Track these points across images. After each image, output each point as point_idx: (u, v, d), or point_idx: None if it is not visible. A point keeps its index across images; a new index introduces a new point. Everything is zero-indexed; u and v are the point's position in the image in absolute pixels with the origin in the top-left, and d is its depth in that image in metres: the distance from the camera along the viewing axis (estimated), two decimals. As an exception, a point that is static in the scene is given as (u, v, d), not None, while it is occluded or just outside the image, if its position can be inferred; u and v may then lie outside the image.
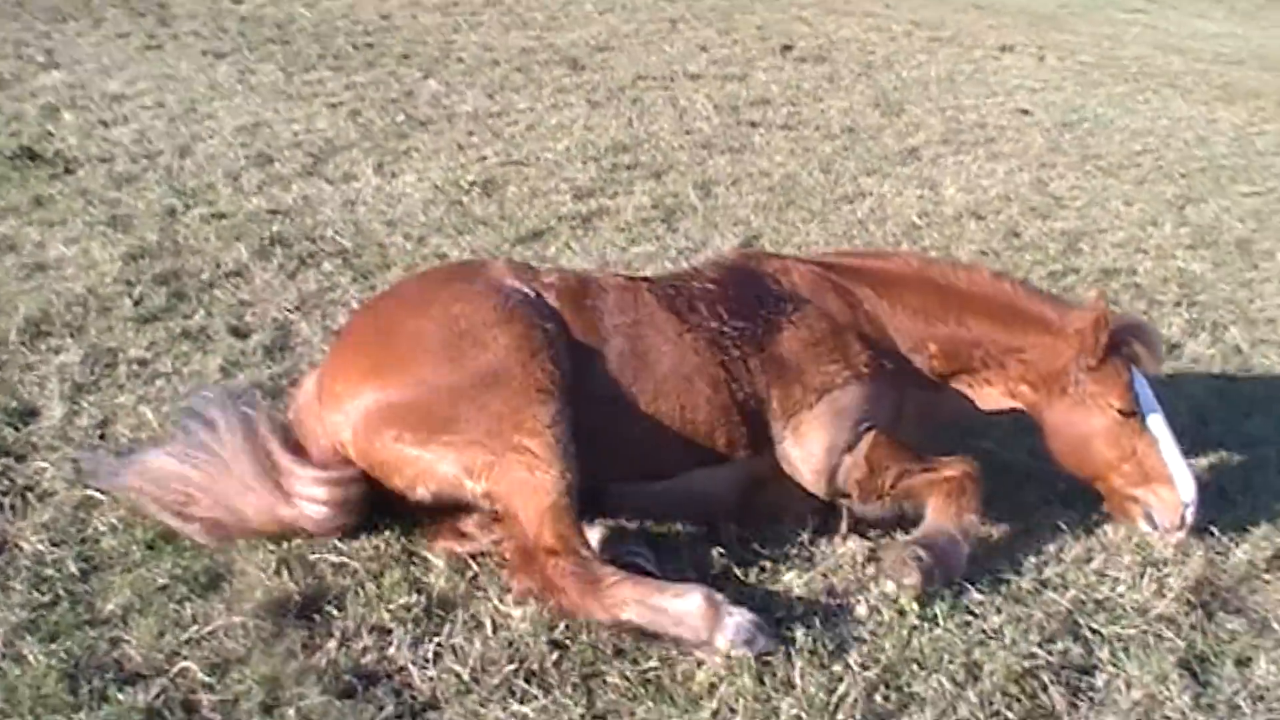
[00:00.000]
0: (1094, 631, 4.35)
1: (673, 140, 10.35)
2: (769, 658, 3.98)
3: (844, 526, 4.72)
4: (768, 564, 4.56)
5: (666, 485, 4.60)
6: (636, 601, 4.00)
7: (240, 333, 6.14)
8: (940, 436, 5.05)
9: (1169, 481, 4.77)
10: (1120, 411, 4.80)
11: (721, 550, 4.56)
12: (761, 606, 4.22)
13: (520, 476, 4.15)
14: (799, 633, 4.09)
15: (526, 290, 4.55)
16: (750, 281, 4.94)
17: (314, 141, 9.50)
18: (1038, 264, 8.03)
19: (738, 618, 3.95)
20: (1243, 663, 4.28)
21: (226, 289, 6.64)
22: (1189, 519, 4.76)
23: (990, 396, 5.06)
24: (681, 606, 3.98)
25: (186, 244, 7.24)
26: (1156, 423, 4.83)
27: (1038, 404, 4.98)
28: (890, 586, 4.37)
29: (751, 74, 13.25)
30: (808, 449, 4.66)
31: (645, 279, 4.97)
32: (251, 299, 6.56)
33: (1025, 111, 12.65)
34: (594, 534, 4.37)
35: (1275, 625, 4.49)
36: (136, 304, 6.34)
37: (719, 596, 4.03)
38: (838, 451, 4.65)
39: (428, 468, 4.29)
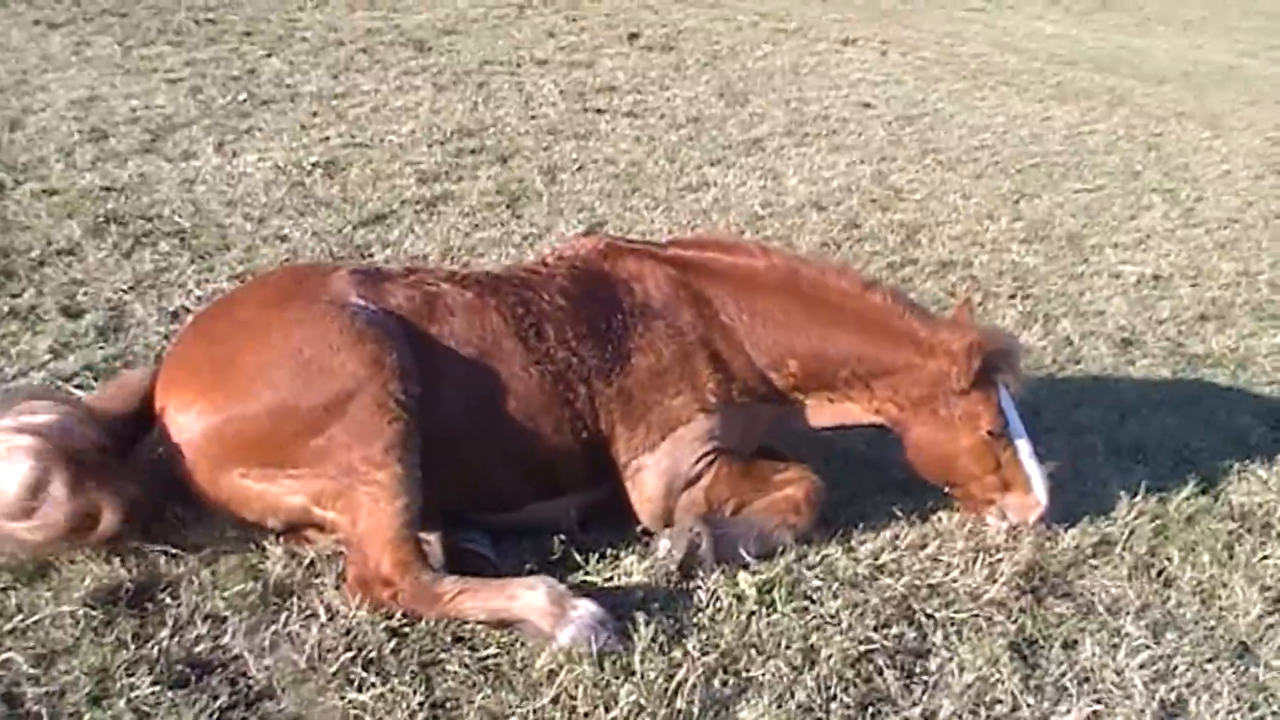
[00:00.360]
0: (928, 616, 4.45)
1: (519, 126, 10.30)
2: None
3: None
4: (608, 551, 4.57)
5: (506, 517, 4.53)
6: (483, 608, 4.02)
7: (71, 313, 5.96)
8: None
9: (1026, 487, 4.87)
10: (989, 433, 4.80)
11: (562, 538, 4.54)
12: (601, 594, 4.23)
13: (366, 508, 4.03)
14: (639, 620, 4.11)
15: (372, 308, 4.30)
16: (603, 291, 4.71)
17: (152, 118, 9.27)
18: (877, 255, 8.18)
19: (582, 613, 3.96)
20: (1069, 645, 4.41)
21: (58, 267, 6.44)
22: (1041, 517, 4.91)
23: (851, 412, 4.94)
24: (525, 602, 3.99)
25: (16, 220, 7.00)
26: (1016, 432, 4.89)
27: (902, 422, 4.89)
28: (663, 547, 4.46)
29: (598, 61, 13.25)
30: (645, 493, 4.59)
31: (494, 288, 4.60)
32: (84, 278, 6.37)
33: (867, 105, 12.87)
34: (432, 533, 4.33)
35: (1100, 609, 4.63)
36: (-39, 285, 6.13)
37: (562, 589, 4.04)
38: (675, 494, 4.60)
39: (275, 501, 4.17)
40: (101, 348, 5.62)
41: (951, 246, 8.56)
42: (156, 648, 3.80)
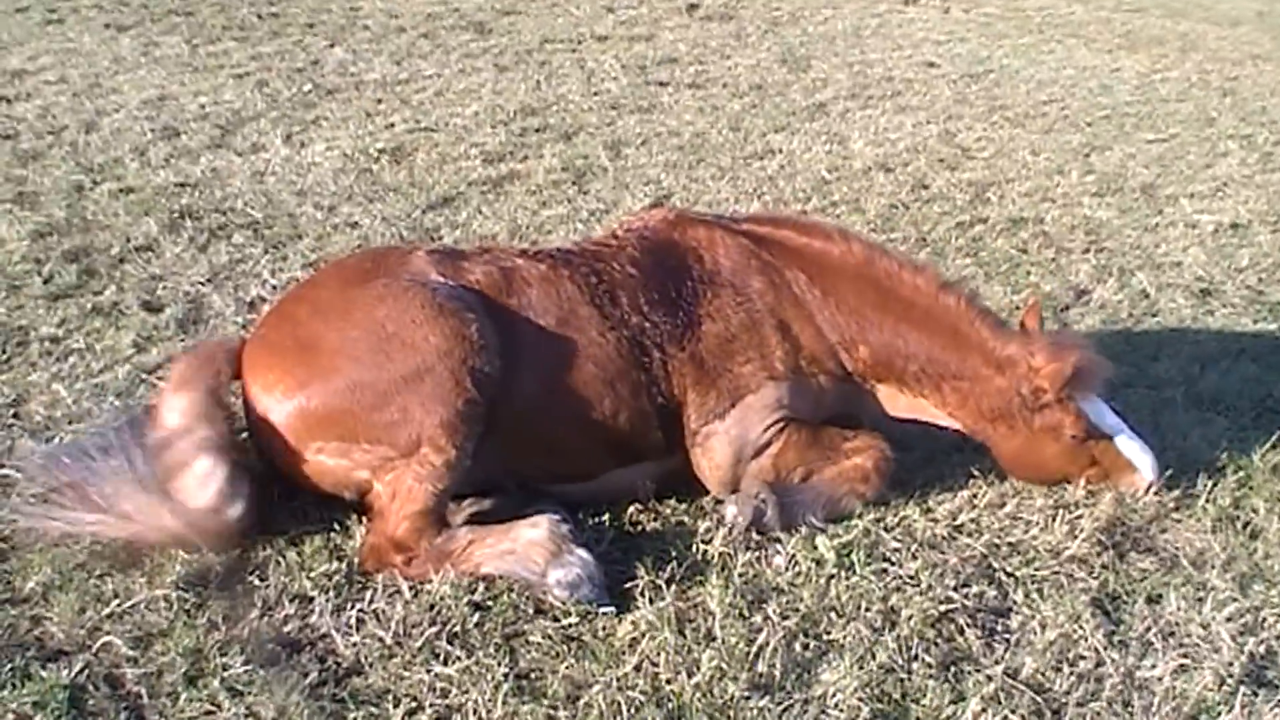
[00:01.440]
0: (1008, 574, 4.44)
1: (581, 102, 10.32)
2: (690, 612, 4.05)
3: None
4: (685, 520, 4.61)
5: (583, 486, 4.59)
6: (490, 555, 4.14)
7: (152, 307, 6.09)
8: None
9: (1129, 469, 4.83)
10: (1074, 437, 4.74)
11: (638, 506, 4.59)
12: (680, 562, 4.28)
13: (407, 484, 4.16)
14: (717, 585, 4.15)
15: (452, 285, 4.41)
16: (672, 260, 4.74)
17: (221, 113, 9.40)
18: (945, 215, 8.11)
19: (575, 559, 4.05)
20: (1153, 600, 4.38)
21: (137, 263, 6.57)
22: (1153, 490, 4.88)
23: (925, 409, 4.89)
24: (526, 538, 4.11)
25: (95, 220, 7.15)
26: (1108, 420, 4.82)
27: (979, 432, 4.85)
28: (729, 513, 4.51)
29: (658, 34, 13.23)
30: (714, 460, 4.61)
31: (567, 261, 4.69)
32: (162, 273, 6.50)
33: (931, 64, 12.73)
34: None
35: (1184, 562, 4.59)
36: (46, 281, 6.30)
37: (564, 531, 4.13)
38: (745, 460, 4.61)
39: (345, 476, 4.28)
40: (182, 339, 5.74)
41: (1021, 203, 8.47)
42: (247, 628, 3.89)
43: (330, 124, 9.29)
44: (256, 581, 4.12)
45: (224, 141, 8.76)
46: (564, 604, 4.03)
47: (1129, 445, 4.82)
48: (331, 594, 4.08)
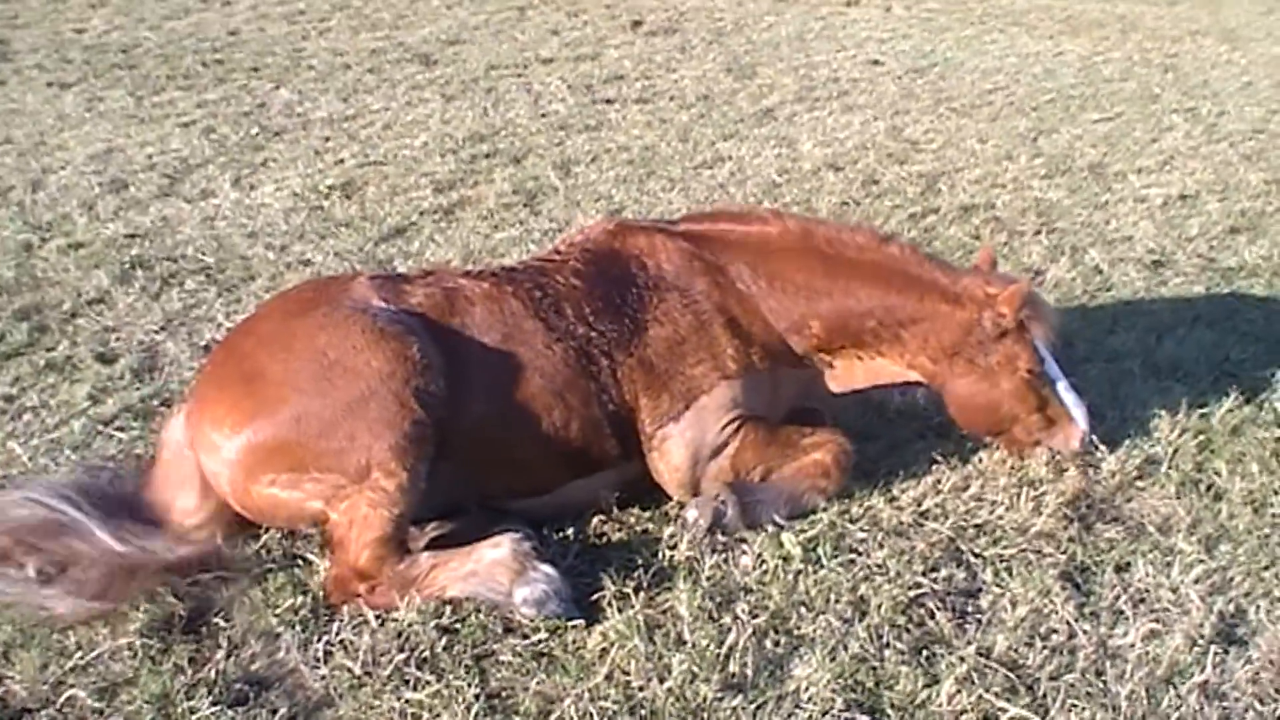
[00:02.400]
0: (976, 555, 4.45)
1: (529, 125, 10.33)
2: (659, 618, 4.03)
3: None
4: (650, 527, 4.60)
5: (544, 500, 4.57)
6: (453, 579, 4.12)
7: (106, 359, 6.03)
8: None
9: (1068, 419, 4.86)
10: (1029, 372, 4.76)
11: (602, 516, 4.59)
12: (645, 568, 4.27)
13: (363, 511, 4.13)
14: (685, 590, 4.14)
15: (393, 309, 4.40)
16: (615, 269, 4.74)
17: (169, 162, 9.34)
18: (897, 208, 8.14)
19: (540, 575, 4.04)
20: (1122, 569, 4.40)
21: (89, 317, 6.52)
22: (1084, 442, 4.89)
23: (884, 369, 4.90)
24: (489, 559, 4.10)
25: (45, 276, 7.09)
26: (1050, 366, 4.87)
27: (939, 375, 4.85)
28: (690, 516, 4.50)
29: (604, 52, 13.26)
30: (671, 463, 4.59)
31: (510, 278, 4.68)
32: (115, 324, 6.44)
33: (876, 62, 12.82)
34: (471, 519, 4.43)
35: (1151, 529, 4.61)
36: (-2, 341, 6.23)
37: (527, 549, 4.11)
38: (703, 462, 4.60)
39: (298, 508, 4.25)
40: (138, 389, 5.68)
41: (972, 191, 8.52)
42: (214, 670, 3.86)
43: (279, 164, 9.25)
44: (221, 622, 4.09)
45: (173, 190, 8.71)
46: (532, 621, 4.01)
47: (1067, 395, 4.85)
48: (298, 628, 4.04)
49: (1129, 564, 4.41)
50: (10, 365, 5.96)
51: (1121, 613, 4.14)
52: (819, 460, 4.66)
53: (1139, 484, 4.91)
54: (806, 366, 4.87)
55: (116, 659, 3.91)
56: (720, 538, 4.44)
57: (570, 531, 4.54)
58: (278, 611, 4.12)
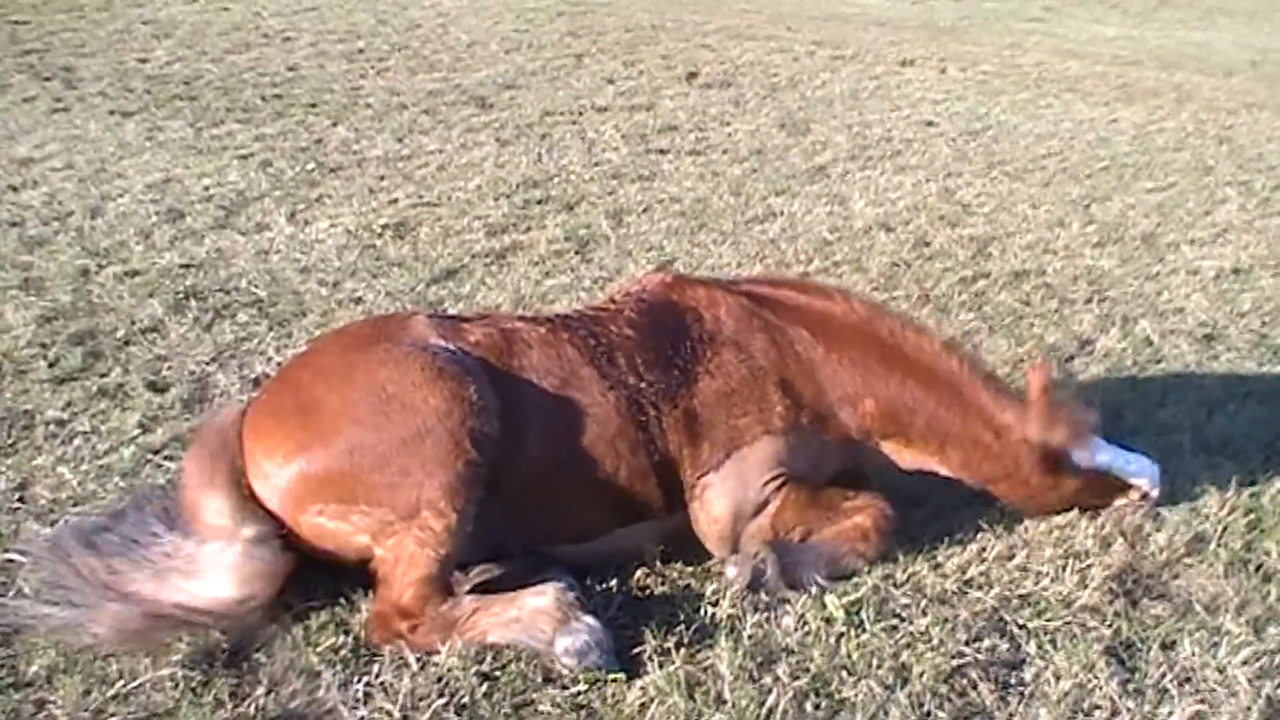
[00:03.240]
0: (1020, 626, 4.41)
1: (583, 173, 10.39)
2: (699, 676, 4.02)
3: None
4: (692, 582, 4.58)
5: (587, 547, 4.58)
6: (496, 624, 4.12)
7: (158, 388, 6.09)
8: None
9: (1128, 487, 5.00)
10: (1076, 488, 4.91)
11: (645, 569, 4.58)
12: (686, 624, 4.26)
13: (410, 550, 4.15)
14: (726, 648, 4.12)
15: (452, 348, 4.44)
16: (670, 321, 4.77)
17: (225, 194, 9.45)
18: (948, 271, 8.14)
19: (583, 626, 4.03)
20: (1167, 646, 4.35)
21: (142, 345, 6.58)
22: (1155, 495, 5.05)
23: (927, 463, 4.93)
24: (532, 607, 4.09)
25: (100, 303, 7.17)
26: (1100, 449, 4.92)
27: (990, 488, 4.96)
28: (729, 573, 4.49)
29: (658, 103, 13.33)
30: (711, 513, 4.59)
31: (566, 325, 4.72)
32: (167, 353, 6.50)
33: (930, 123, 12.83)
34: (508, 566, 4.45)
35: (1197, 608, 4.56)
36: (52, 365, 6.28)
37: (571, 599, 4.11)
38: (744, 518, 4.60)
39: (345, 540, 4.26)
40: (188, 419, 5.73)
41: (1023, 256, 8.50)
42: (253, 705, 3.87)
43: (334, 201, 9.34)
44: (263, 658, 4.10)
45: (228, 222, 8.81)
46: (573, 671, 4.00)
47: (1120, 462, 4.95)
48: (339, 667, 4.05)
49: (1175, 642, 4.36)
50: (64, 389, 6.02)
51: (1166, 691, 4.10)
52: (859, 524, 4.65)
53: (1186, 561, 4.86)
54: (856, 442, 4.85)
55: (158, 689, 3.92)
56: (763, 597, 4.42)
57: (614, 583, 4.53)
58: (319, 650, 4.14)
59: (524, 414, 4.40)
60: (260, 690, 3.94)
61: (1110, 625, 4.43)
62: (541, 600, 4.11)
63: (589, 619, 4.07)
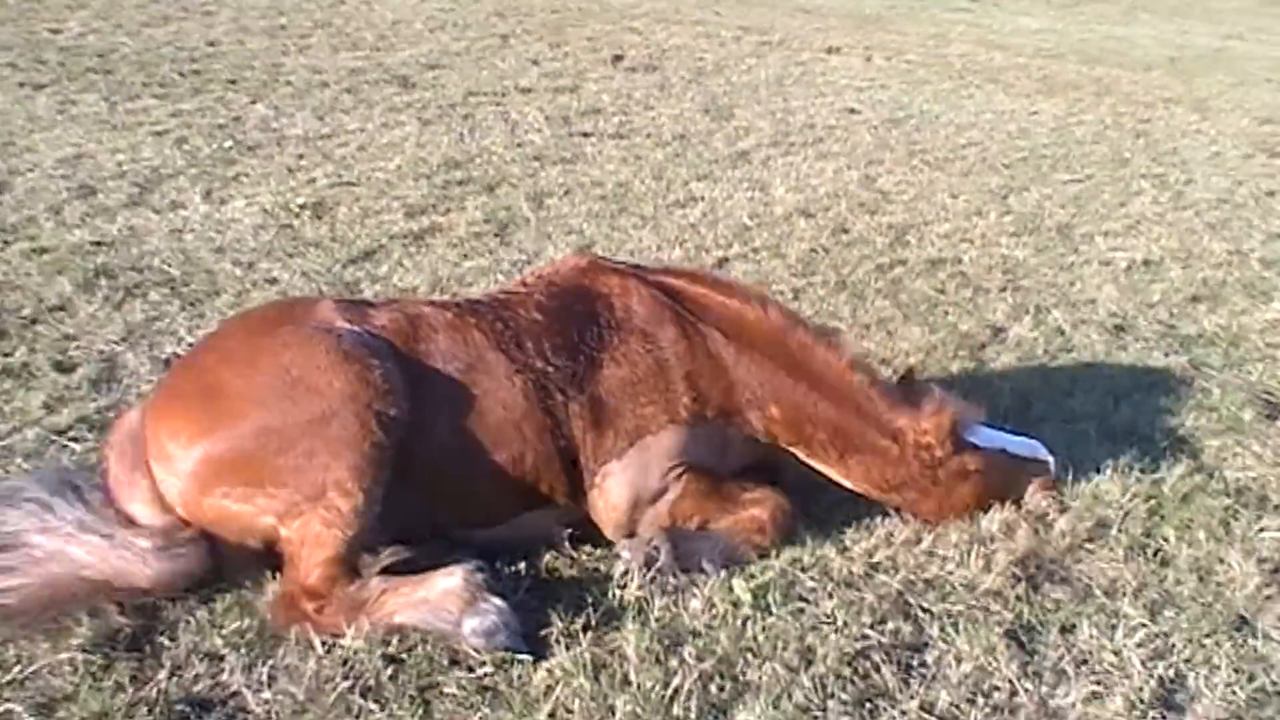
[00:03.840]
0: (925, 610, 4.46)
1: (504, 154, 10.35)
2: (605, 658, 4.03)
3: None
4: (601, 565, 4.59)
5: (496, 531, 4.57)
6: (403, 605, 4.10)
7: (64, 368, 5.98)
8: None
9: (1031, 479, 5.12)
10: (978, 470, 4.92)
11: (555, 552, 4.59)
12: (594, 607, 4.27)
13: (316, 530, 4.12)
14: (633, 631, 4.14)
15: (358, 331, 4.42)
16: (581, 306, 4.76)
17: (139, 171, 9.30)
18: (865, 258, 8.20)
19: (490, 607, 4.03)
20: (1067, 629, 4.42)
21: (50, 324, 6.46)
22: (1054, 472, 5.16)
23: (831, 474, 4.96)
24: (441, 588, 4.08)
25: (6, 280, 7.02)
26: (991, 437, 5.01)
27: (890, 501, 4.99)
28: (623, 559, 4.52)
29: (583, 85, 13.32)
30: (609, 500, 4.60)
31: (474, 310, 4.71)
32: (76, 333, 6.39)
33: (853, 111, 12.93)
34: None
35: (1097, 592, 4.64)
36: (-46, 346, 6.17)
37: (480, 580, 4.10)
38: (643, 505, 4.61)
39: (250, 522, 4.22)
40: (94, 400, 5.64)
41: (940, 244, 8.60)
42: (155, 689, 3.82)
43: (251, 180, 9.23)
44: (167, 641, 4.05)
45: (142, 199, 8.66)
46: (480, 653, 4.00)
47: (1019, 447, 5.07)
48: (243, 651, 4.01)
49: (1074, 625, 4.44)
50: (-34, 370, 5.91)
51: (1064, 673, 4.17)
52: (756, 516, 4.68)
53: (1088, 546, 4.94)
54: (759, 443, 4.88)
55: (56, 674, 3.85)
56: (671, 580, 4.44)
57: (522, 565, 4.52)
58: (224, 633, 4.09)
59: (430, 397, 4.38)
60: (162, 674, 3.89)
61: (1012, 609, 4.50)
62: (450, 581, 4.09)
63: (497, 600, 4.06)
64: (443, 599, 4.07)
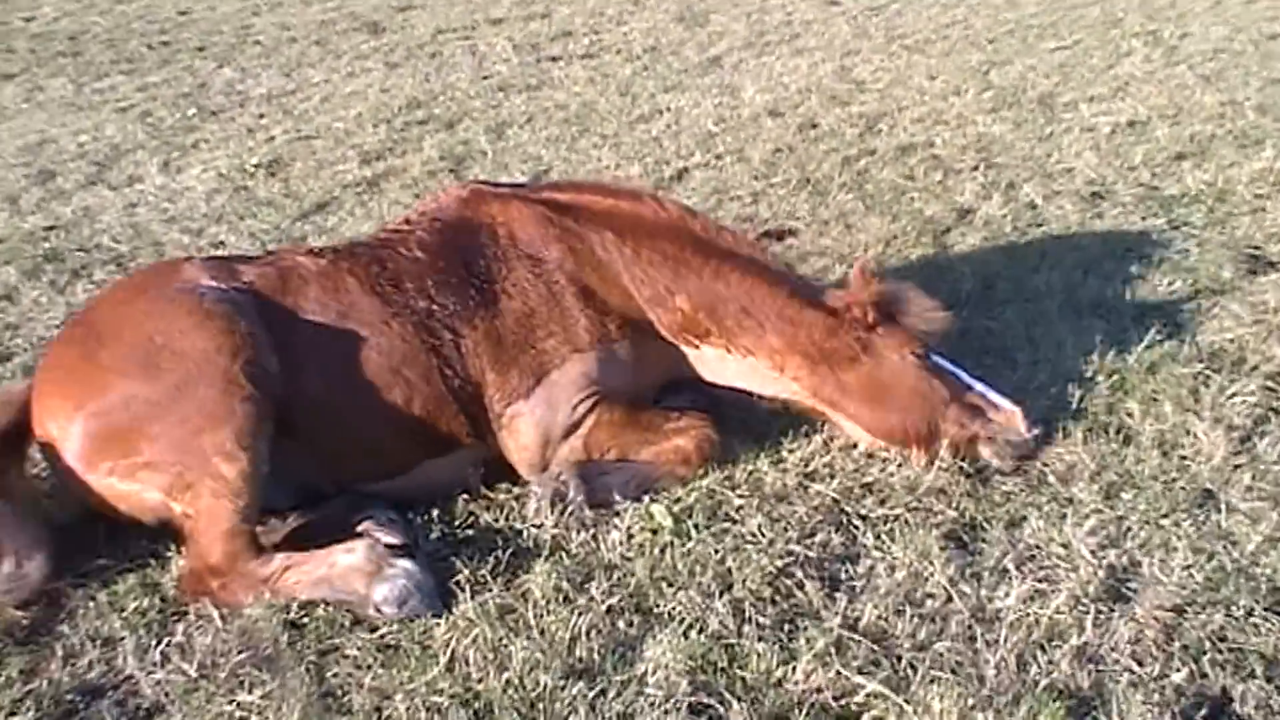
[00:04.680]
0: (861, 517, 4.21)
1: (469, 89, 10.08)
2: (512, 603, 3.82)
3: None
4: (514, 504, 4.37)
5: (402, 482, 4.37)
6: (307, 581, 3.92)
7: (2, 358, 5.83)
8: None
9: (993, 405, 4.49)
10: (916, 354, 4.47)
11: (466, 495, 4.39)
12: (507, 547, 4.07)
13: (207, 503, 3.95)
14: (543, 570, 3.92)
15: (223, 288, 4.23)
16: (464, 238, 4.54)
17: (100, 150, 9.15)
18: (832, 151, 7.87)
19: (398, 571, 3.84)
20: (1014, 524, 4.15)
21: (-8, 314, 6.33)
22: (1031, 425, 4.48)
23: (757, 371, 4.64)
24: (343, 564, 3.89)
25: (-42, 274, 6.91)
26: (950, 370, 4.57)
27: (821, 388, 4.54)
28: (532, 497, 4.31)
29: (555, 10, 12.98)
30: (520, 441, 4.38)
31: (351, 254, 4.51)
32: (18, 321, 6.25)
33: (834, 3, 12.48)
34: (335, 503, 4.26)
35: (1051, 480, 4.36)
36: (-105, 339, 6.04)
37: (381, 550, 3.92)
38: (554, 443, 4.40)
39: (138, 499, 4.06)
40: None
41: (913, 130, 8.24)
42: (46, 680, 3.67)
43: (210, 145, 9.04)
44: (65, 629, 3.89)
45: (100, 177, 8.51)
46: (394, 619, 3.80)
47: (980, 385, 4.56)
48: (141, 632, 3.85)
49: (1023, 518, 4.16)
50: (-98, 368, 5.78)
51: (1006, 572, 3.89)
52: (680, 446, 4.43)
53: (1044, 430, 4.63)
54: (672, 345, 4.64)
55: (-52, 674, 3.73)
56: (585, 514, 4.21)
57: (435, 514, 4.32)
58: (124, 615, 3.93)
59: (301, 349, 4.18)
60: (55, 664, 3.73)
61: (956, 507, 4.24)
62: (351, 557, 3.91)
63: (405, 564, 3.88)
64: (346, 575, 3.89)
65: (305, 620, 3.84)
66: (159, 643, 3.80)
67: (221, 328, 4.03)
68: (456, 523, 4.30)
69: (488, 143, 8.51)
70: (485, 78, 10.38)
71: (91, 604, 3.99)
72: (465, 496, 4.39)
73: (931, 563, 3.92)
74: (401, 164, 8.26)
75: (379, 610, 3.81)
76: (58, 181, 8.43)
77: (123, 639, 3.83)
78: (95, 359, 4.08)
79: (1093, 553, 3.93)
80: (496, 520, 4.30)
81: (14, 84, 11.34)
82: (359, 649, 3.71)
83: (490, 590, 3.87)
